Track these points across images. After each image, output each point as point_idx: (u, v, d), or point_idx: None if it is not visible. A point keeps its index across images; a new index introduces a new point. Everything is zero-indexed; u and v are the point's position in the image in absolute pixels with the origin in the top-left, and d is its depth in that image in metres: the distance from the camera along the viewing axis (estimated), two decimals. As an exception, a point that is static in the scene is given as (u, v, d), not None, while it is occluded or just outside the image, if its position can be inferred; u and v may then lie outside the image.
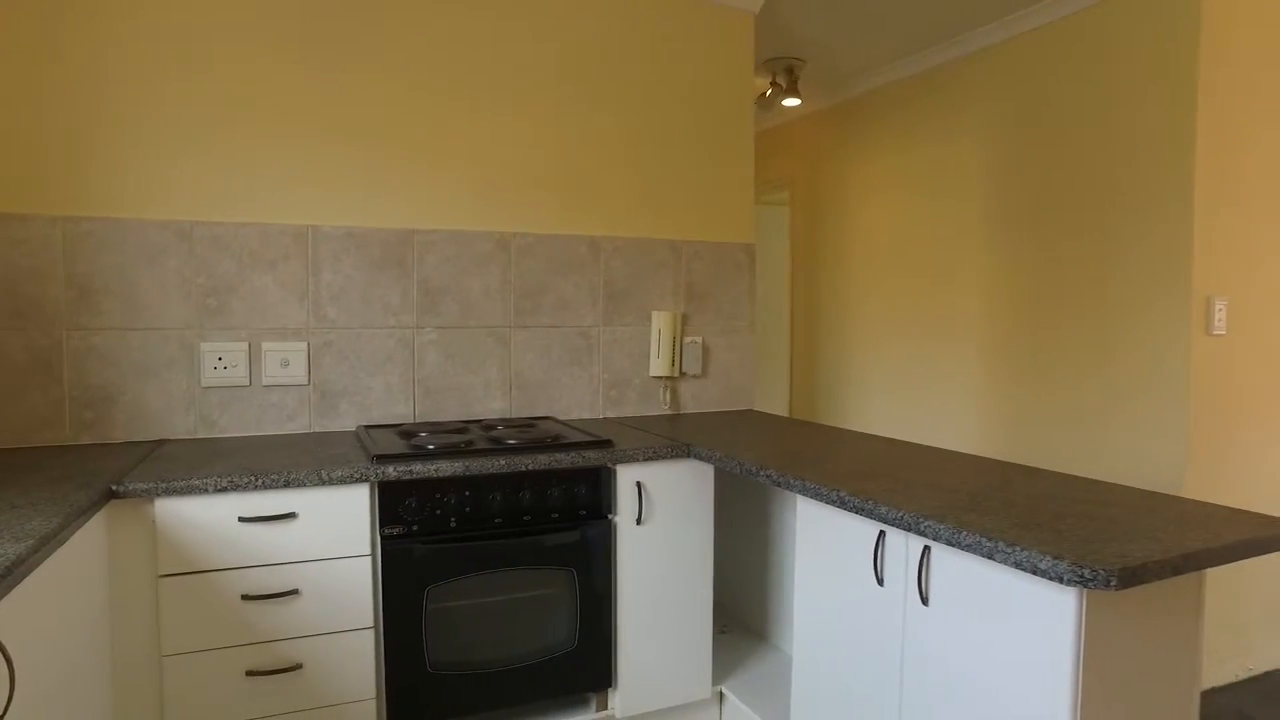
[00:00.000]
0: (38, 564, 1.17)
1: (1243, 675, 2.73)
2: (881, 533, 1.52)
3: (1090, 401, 2.85)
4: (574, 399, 2.59)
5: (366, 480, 1.77)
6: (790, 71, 3.66)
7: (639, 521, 2.05)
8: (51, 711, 1.26)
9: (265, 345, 2.21)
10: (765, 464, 1.81)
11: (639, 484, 2.04)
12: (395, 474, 1.79)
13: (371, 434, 2.15)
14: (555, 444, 2.00)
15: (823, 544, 1.69)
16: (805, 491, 1.64)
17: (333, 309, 2.28)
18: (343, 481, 1.75)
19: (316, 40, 2.24)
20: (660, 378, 2.72)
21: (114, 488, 1.58)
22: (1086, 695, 1.19)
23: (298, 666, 1.74)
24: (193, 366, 2.15)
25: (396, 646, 1.83)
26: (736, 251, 2.83)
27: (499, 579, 1.93)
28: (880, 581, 1.53)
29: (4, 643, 1.05)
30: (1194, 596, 1.32)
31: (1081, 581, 1.10)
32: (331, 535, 1.76)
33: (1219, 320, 2.55)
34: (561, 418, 2.58)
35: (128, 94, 2.06)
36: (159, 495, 1.62)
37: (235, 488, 1.67)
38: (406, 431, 2.17)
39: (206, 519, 1.66)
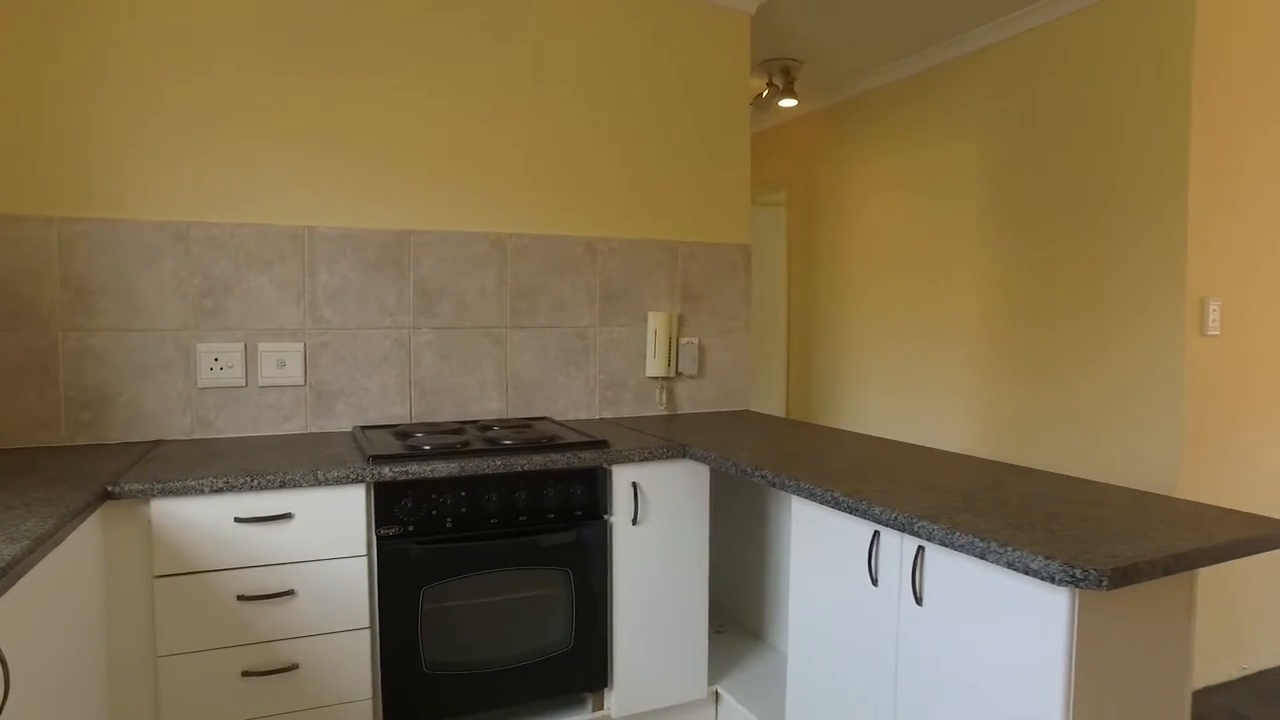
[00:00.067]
0: (33, 565, 1.18)
1: (1237, 674, 2.74)
2: (876, 533, 1.53)
3: (1085, 401, 2.86)
4: (570, 399, 2.60)
5: (362, 481, 1.78)
6: (787, 72, 3.66)
7: (634, 522, 2.06)
8: (47, 712, 1.27)
9: (261, 346, 2.21)
10: (760, 464, 1.82)
11: (634, 484, 2.05)
12: (391, 474, 1.79)
13: (368, 434, 2.15)
14: (551, 444, 2.00)
15: (817, 544, 1.70)
16: (800, 492, 1.65)
17: (329, 310, 2.29)
18: (339, 482, 1.75)
19: (313, 42, 2.24)
20: (656, 378, 2.72)
21: (110, 488, 1.58)
22: (1079, 695, 1.19)
23: (294, 667, 1.75)
24: (189, 367, 2.15)
25: (392, 647, 1.84)
26: (732, 252, 2.83)
27: (495, 579, 1.94)
28: (874, 581, 1.54)
29: (-1, 643, 1.06)
30: (1186, 596, 1.33)
31: (1073, 582, 1.11)
32: (327, 536, 1.77)
33: (1213, 321, 2.56)
34: (558, 418, 2.58)
35: (125, 95, 2.06)
36: (155, 496, 1.62)
37: (231, 488, 1.67)
38: (403, 432, 2.17)
39: (202, 519, 1.66)
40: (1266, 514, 2.71)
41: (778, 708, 2.08)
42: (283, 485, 1.71)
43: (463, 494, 1.90)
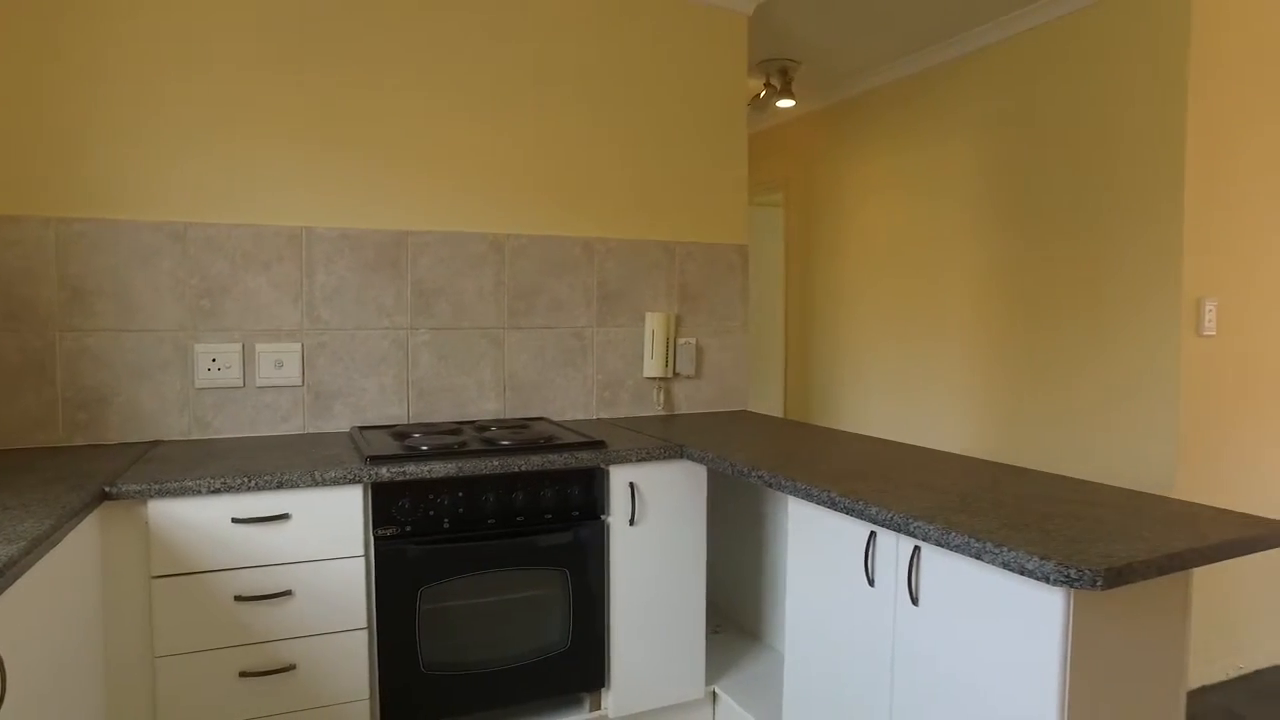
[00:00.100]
0: (30, 565, 1.18)
1: (1233, 674, 2.75)
2: (872, 533, 1.53)
3: (1083, 401, 2.87)
4: (568, 400, 2.60)
5: (360, 481, 1.78)
6: (784, 73, 3.67)
7: (632, 522, 2.06)
8: (44, 713, 1.27)
9: (259, 346, 2.21)
10: (757, 465, 1.82)
11: (632, 485, 2.05)
12: (388, 475, 1.80)
13: (365, 435, 2.15)
14: (548, 445, 2.01)
15: (814, 544, 1.70)
16: (796, 492, 1.65)
17: (326, 310, 2.29)
18: (336, 483, 1.76)
19: (311, 42, 2.24)
20: (654, 378, 2.72)
21: (107, 489, 1.58)
22: (1074, 695, 1.20)
23: (291, 667, 1.75)
24: (186, 368, 2.15)
25: (390, 647, 1.84)
26: (730, 253, 2.84)
27: (492, 580, 1.94)
28: (871, 582, 1.54)
29: (-4, 644, 1.06)
30: (1180, 596, 1.33)
31: (1067, 581, 1.11)
32: (325, 536, 1.77)
33: (1209, 321, 2.57)
34: (555, 419, 2.58)
35: (123, 95, 2.06)
36: (152, 496, 1.62)
37: (228, 489, 1.67)
38: (400, 432, 2.18)
39: (200, 520, 1.67)
40: (1264, 513, 2.72)
41: (775, 707, 2.08)
42: (280, 486, 1.71)
43: (460, 494, 1.90)
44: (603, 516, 2.06)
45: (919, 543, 1.41)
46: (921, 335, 3.65)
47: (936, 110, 3.51)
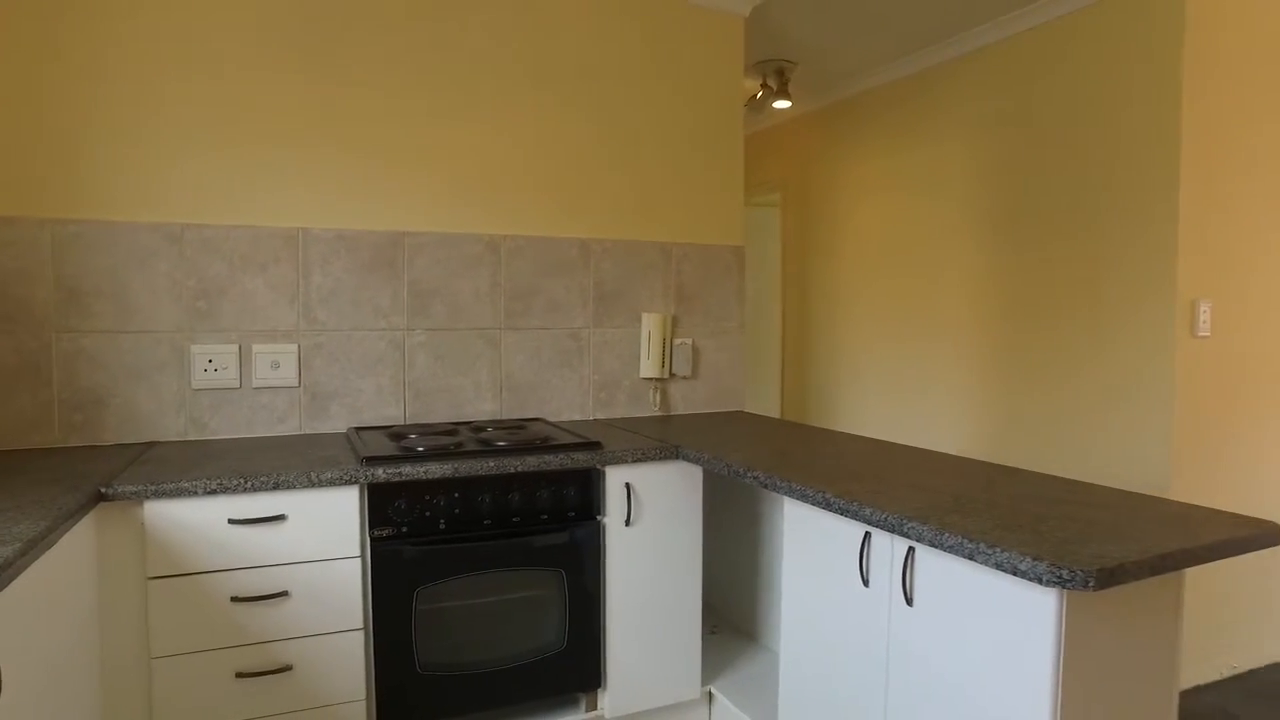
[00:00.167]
0: (25, 567, 1.18)
1: (1227, 673, 2.76)
2: (867, 534, 1.54)
3: (1078, 402, 2.87)
4: (564, 400, 2.60)
5: (356, 482, 1.78)
6: (781, 74, 3.67)
7: (628, 523, 2.06)
8: (40, 714, 1.27)
9: (256, 347, 2.21)
10: (752, 465, 1.83)
11: (628, 485, 2.06)
12: (385, 476, 1.80)
13: (361, 436, 2.15)
14: (544, 446, 2.01)
15: (809, 545, 1.70)
16: (791, 493, 1.65)
17: (323, 311, 2.29)
18: (332, 483, 1.76)
19: (309, 44, 2.24)
20: (650, 379, 2.73)
21: (103, 490, 1.58)
22: (1066, 695, 1.20)
23: (287, 668, 1.75)
24: (183, 369, 2.15)
25: (386, 647, 1.84)
26: (726, 253, 2.84)
27: (488, 580, 1.94)
28: (866, 582, 1.55)
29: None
30: (1173, 597, 1.34)
31: (1060, 582, 1.12)
32: (321, 537, 1.77)
33: (1204, 322, 2.58)
34: (552, 419, 2.59)
35: (119, 97, 2.07)
36: (148, 498, 1.62)
37: (225, 490, 1.67)
38: (396, 433, 2.18)
39: (196, 521, 1.67)
40: (1260, 513, 2.74)
41: (770, 708, 2.09)
42: (276, 487, 1.71)
43: (456, 495, 1.91)
44: (599, 517, 2.06)
45: (913, 543, 1.42)
46: (918, 336, 3.66)
47: (932, 111, 3.52)
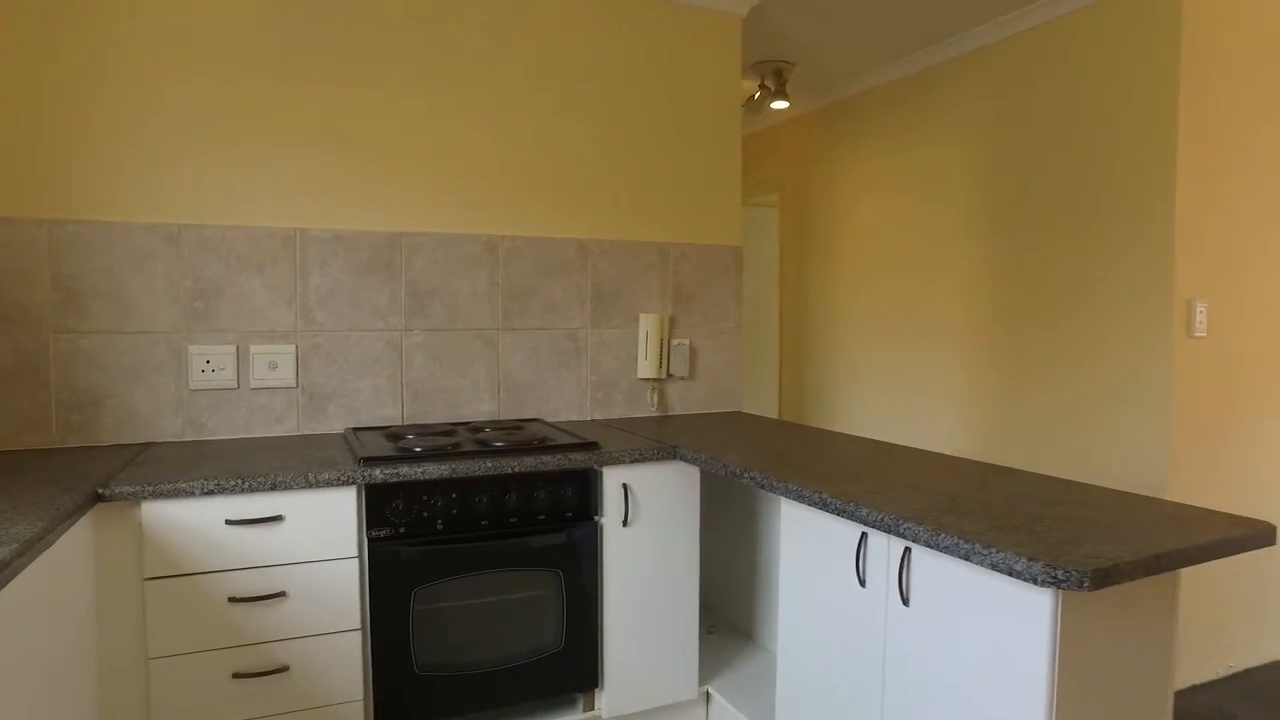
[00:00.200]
0: (22, 568, 1.18)
1: (1223, 673, 2.77)
2: (863, 534, 1.54)
3: (1077, 403, 2.88)
4: (562, 401, 2.61)
5: (354, 483, 1.78)
6: (779, 74, 3.68)
7: (625, 523, 2.07)
8: (37, 714, 1.27)
9: (253, 348, 2.21)
10: (749, 466, 1.83)
11: (625, 486, 2.06)
12: (382, 476, 1.80)
13: (359, 436, 2.15)
14: (541, 446, 2.01)
15: (806, 545, 1.71)
16: (788, 494, 1.66)
17: (321, 312, 2.29)
18: (330, 484, 1.76)
19: (306, 45, 2.24)
20: (648, 379, 2.73)
21: (100, 491, 1.58)
22: (1062, 695, 1.21)
23: (285, 668, 1.75)
24: (180, 369, 2.15)
25: (384, 648, 1.84)
26: (723, 254, 2.85)
27: (486, 580, 1.94)
28: (862, 582, 1.55)
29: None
30: (1168, 597, 1.34)
31: (1055, 583, 1.12)
32: (319, 538, 1.77)
33: (1200, 323, 2.59)
34: (549, 419, 2.59)
35: (117, 97, 2.07)
36: (146, 498, 1.62)
37: (222, 490, 1.67)
38: (394, 434, 2.18)
39: (193, 522, 1.67)
40: (1257, 512, 2.74)
41: (768, 708, 2.09)
42: (274, 487, 1.71)
43: (454, 496, 1.91)
44: (596, 518, 2.07)
45: (909, 544, 1.42)
46: (916, 336, 3.67)
47: (930, 112, 3.53)
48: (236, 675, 1.71)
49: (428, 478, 1.84)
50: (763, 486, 1.75)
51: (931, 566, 1.38)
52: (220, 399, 2.19)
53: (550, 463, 1.96)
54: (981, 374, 3.30)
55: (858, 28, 3.24)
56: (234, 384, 2.20)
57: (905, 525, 1.37)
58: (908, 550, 1.43)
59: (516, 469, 1.93)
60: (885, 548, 1.49)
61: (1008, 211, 3.16)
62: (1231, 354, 2.68)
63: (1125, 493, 1.58)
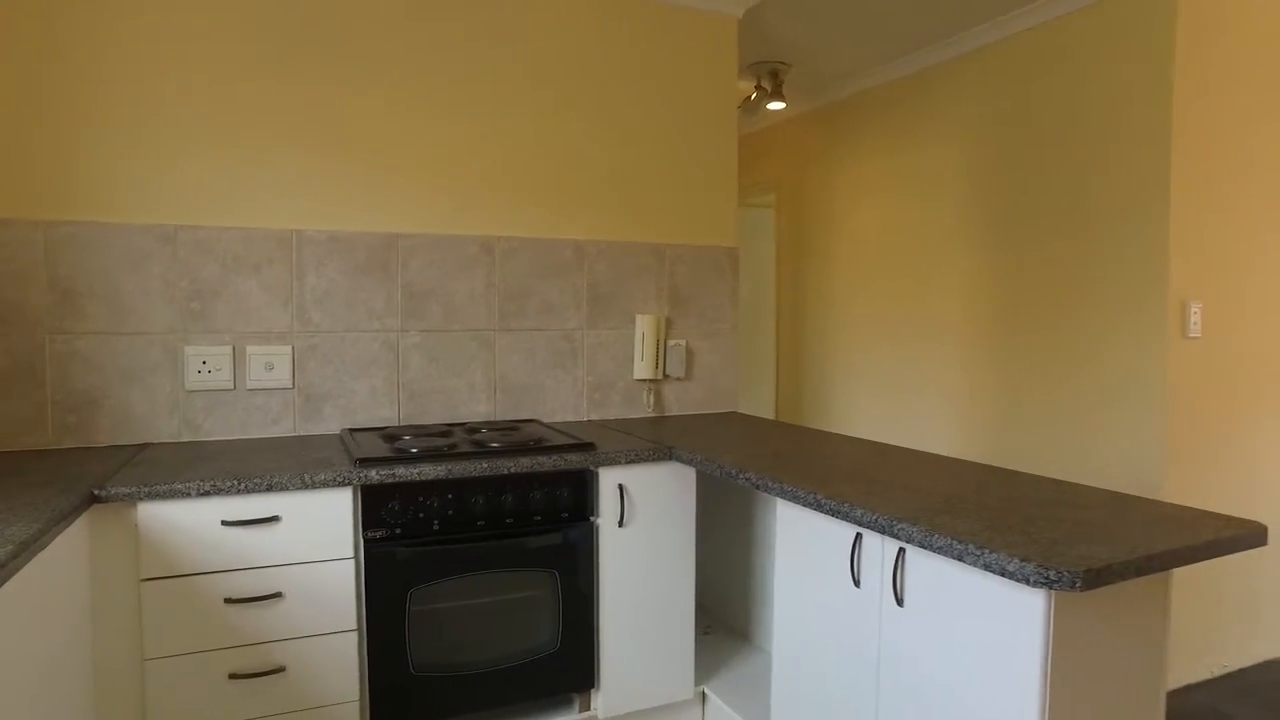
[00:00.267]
0: (18, 569, 1.18)
1: (1218, 672, 2.78)
2: (858, 535, 1.54)
3: (1072, 404, 2.89)
4: (558, 402, 2.61)
5: (349, 484, 1.78)
6: (775, 75, 3.68)
7: (621, 524, 2.07)
8: (33, 716, 1.27)
9: (250, 349, 2.22)
10: (745, 467, 1.83)
11: (621, 486, 2.06)
12: (378, 477, 1.80)
13: (355, 437, 2.15)
14: (537, 447, 2.01)
15: (801, 546, 1.71)
16: (783, 494, 1.66)
17: (317, 313, 2.29)
18: (326, 485, 1.76)
19: (303, 47, 2.24)
20: (644, 380, 2.73)
21: (96, 492, 1.58)
22: (1054, 695, 1.21)
23: (281, 669, 1.75)
24: (177, 370, 2.15)
25: (380, 648, 1.85)
26: (719, 255, 2.85)
27: (482, 581, 1.95)
28: (857, 583, 1.56)
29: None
30: (1160, 597, 1.35)
31: (1047, 583, 1.13)
32: (315, 539, 1.77)
33: (1194, 323, 2.59)
34: (546, 420, 2.59)
35: (115, 98, 2.07)
36: (142, 499, 1.62)
37: (218, 491, 1.68)
38: (390, 435, 2.18)
39: (189, 523, 1.67)
40: (1253, 512, 2.75)
41: (763, 708, 2.10)
42: (270, 488, 1.72)
43: (450, 496, 1.91)
44: (592, 518, 2.07)
45: (903, 544, 1.43)
46: (912, 337, 3.67)
47: (926, 112, 3.54)
48: (233, 676, 1.71)
49: (424, 479, 1.85)
50: (758, 487, 1.75)
51: (925, 567, 1.39)
52: (216, 400, 2.19)
53: (546, 463, 1.97)
54: (979, 374, 3.31)
55: (853, 29, 3.25)
56: (230, 385, 2.20)
57: (899, 526, 1.37)
58: (902, 551, 1.44)
59: (512, 470, 1.93)
60: (880, 548, 1.49)
61: (1005, 212, 3.17)
62: (1226, 354, 2.69)
63: (1118, 493, 1.59)
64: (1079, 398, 2.85)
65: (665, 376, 2.77)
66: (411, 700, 1.88)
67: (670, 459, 2.11)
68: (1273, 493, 2.84)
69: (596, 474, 2.05)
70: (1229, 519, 1.39)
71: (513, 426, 2.36)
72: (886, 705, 1.49)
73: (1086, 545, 1.22)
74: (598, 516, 2.06)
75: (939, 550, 1.29)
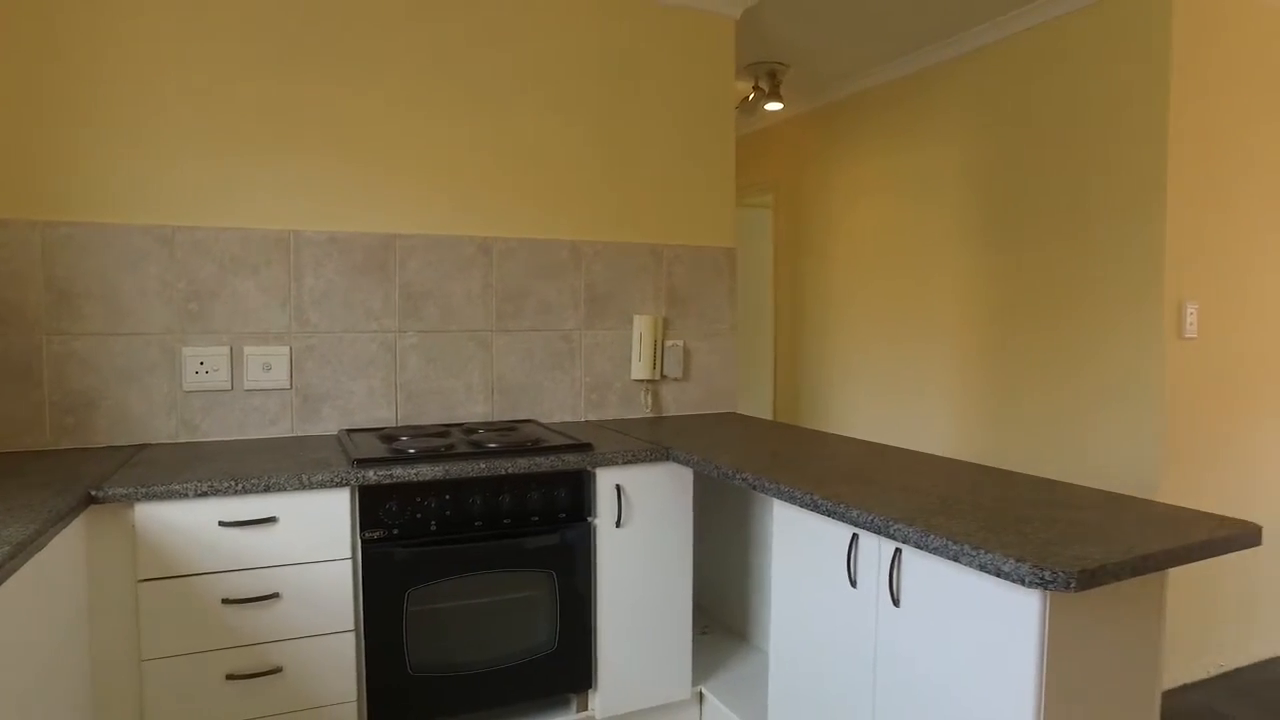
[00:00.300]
0: (14, 570, 1.18)
1: (1214, 671, 2.78)
2: (854, 535, 1.55)
3: (1070, 404, 2.89)
4: (556, 402, 2.61)
5: (347, 484, 1.79)
6: (773, 76, 3.69)
7: (618, 524, 2.07)
8: (30, 716, 1.27)
9: (247, 349, 2.22)
10: (742, 467, 1.84)
11: (618, 487, 2.07)
12: (376, 478, 1.80)
13: (353, 438, 2.16)
14: (535, 448, 2.02)
15: (798, 546, 1.72)
16: (780, 495, 1.67)
17: (315, 313, 2.29)
18: (323, 485, 1.76)
19: (301, 48, 2.24)
20: (642, 381, 2.74)
21: (93, 493, 1.58)
22: (1050, 695, 1.21)
23: (278, 670, 1.75)
24: (174, 371, 2.15)
25: (377, 649, 1.85)
26: (717, 255, 2.85)
27: (479, 581, 1.95)
28: (853, 583, 1.56)
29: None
30: (1155, 597, 1.35)
31: (1042, 584, 1.13)
32: (312, 539, 1.77)
33: (1190, 324, 2.60)
34: (543, 421, 2.59)
35: (112, 99, 2.07)
36: (139, 500, 1.62)
37: (216, 492, 1.68)
38: (388, 435, 2.18)
39: (187, 523, 1.67)
40: (1249, 512, 2.76)
41: (761, 708, 2.10)
42: (267, 489, 1.72)
43: (447, 497, 1.91)
44: (589, 519, 2.07)
45: (899, 545, 1.43)
46: (910, 337, 3.68)
47: (924, 113, 3.54)
48: (230, 677, 1.71)
49: (421, 479, 1.85)
50: (755, 488, 1.75)
51: (921, 567, 1.39)
52: (214, 400, 2.20)
53: (543, 464, 1.97)
54: (976, 375, 3.32)
55: (851, 30, 3.25)
56: (228, 385, 2.20)
57: (895, 526, 1.38)
58: (898, 551, 1.44)
59: (510, 470, 1.94)
60: (876, 549, 1.50)
61: (1003, 213, 3.17)
62: (1223, 355, 2.70)
63: (1114, 494, 1.59)
64: (1076, 398, 2.86)
65: (663, 377, 2.77)
66: (409, 700, 1.88)
67: (668, 459, 2.11)
68: (1270, 492, 2.84)
69: (594, 474, 2.05)
70: (1223, 519, 1.40)
71: (510, 427, 2.36)
72: (883, 705, 1.49)
73: (1081, 546, 1.23)
74: (595, 517, 2.06)
75: (935, 551, 1.30)
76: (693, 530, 2.18)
